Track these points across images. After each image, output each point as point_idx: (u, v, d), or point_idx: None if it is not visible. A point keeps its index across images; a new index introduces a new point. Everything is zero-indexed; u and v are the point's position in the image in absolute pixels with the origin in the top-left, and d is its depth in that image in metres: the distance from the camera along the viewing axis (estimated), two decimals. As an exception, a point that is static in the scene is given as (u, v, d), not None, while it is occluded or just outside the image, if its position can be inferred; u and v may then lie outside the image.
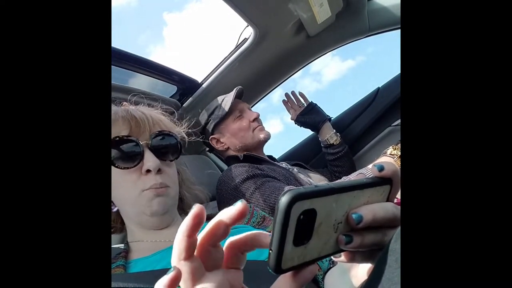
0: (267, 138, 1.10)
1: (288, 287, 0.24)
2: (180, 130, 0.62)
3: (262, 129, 1.11)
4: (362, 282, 0.29)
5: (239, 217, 0.23)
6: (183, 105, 1.21)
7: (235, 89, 1.07)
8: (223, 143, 1.10)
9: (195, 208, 0.23)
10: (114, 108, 0.56)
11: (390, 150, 0.85)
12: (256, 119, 1.10)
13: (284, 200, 0.22)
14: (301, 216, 0.23)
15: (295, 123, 1.28)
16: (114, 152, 0.51)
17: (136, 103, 0.62)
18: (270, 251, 0.23)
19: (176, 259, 0.23)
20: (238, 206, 0.23)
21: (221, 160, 1.30)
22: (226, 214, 0.24)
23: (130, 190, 0.52)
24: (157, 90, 1.16)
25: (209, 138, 1.11)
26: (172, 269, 0.23)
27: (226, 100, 1.07)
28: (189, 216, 0.23)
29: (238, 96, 1.10)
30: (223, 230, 0.24)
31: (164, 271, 0.23)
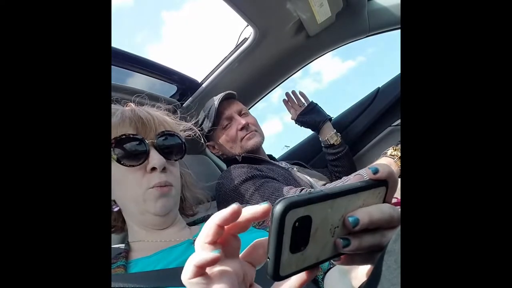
0: (257, 145, 1.04)
1: (288, 286, 0.25)
2: (183, 129, 0.62)
3: (251, 136, 1.04)
4: (362, 283, 0.29)
5: (261, 216, 0.25)
6: (183, 105, 1.21)
7: (218, 97, 1.03)
8: (217, 149, 1.10)
9: (235, 206, 0.25)
10: (120, 108, 0.57)
11: (390, 151, 0.85)
12: (244, 127, 1.03)
13: (277, 209, 0.22)
14: (296, 224, 0.23)
15: (296, 123, 1.27)
16: (120, 150, 0.51)
17: (140, 104, 0.62)
18: (268, 260, 0.23)
19: (202, 241, 0.25)
20: (264, 207, 0.25)
21: (221, 160, 1.30)
22: (251, 211, 0.26)
23: (135, 188, 0.52)
24: (155, 89, 1.16)
25: (206, 144, 1.10)
26: (215, 252, 0.24)
27: (213, 109, 1.02)
28: (228, 210, 0.25)
29: (232, 97, 1.07)
30: (246, 224, 0.26)
31: (164, 271, 0.23)
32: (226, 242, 0.26)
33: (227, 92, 1.05)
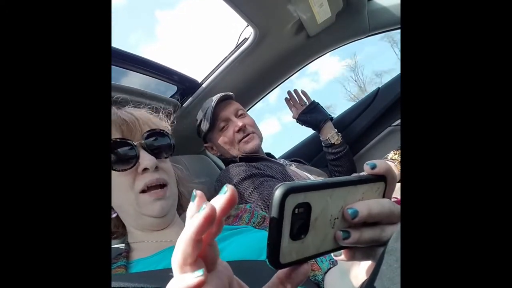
0: (255, 148, 1.03)
1: None
2: (167, 126, 0.61)
3: (249, 140, 1.02)
4: (363, 282, 0.29)
5: (230, 206, 0.21)
6: (183, 105, 1.21)
7: (214, 98, 1.01)
8: (215, 150, 1.11)
9: (207, 209, 0.20)
10: None
11: (391, 154, 0.86)
12: (241, 129, 1.02)
13: (278, 193, 0.23)
14: (296, 210, 0.23)
15: (297, 122, 1.27)
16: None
17: (139, 104, 0.62)
18: (268, 246, 0.23)
19: (181, 263, 0.21)
20: (227, 194, 0.21)
21: (221, 160, 1.30)
22: (217, 205, 0.21)
23: (128, 191, 0.52)
24: (151, 89, 1.15)
25: (204, 146, 1.12)
26: (197, 273, 0.20)
27: (210, 111, 1.01)
28: (200, 217, 0.20)
29: (228, 98, 1.06)
30: (218, 226, 0.22)
31: (165, 271, 0.23)
32: (206, 256, 0.22)
33: (223, 93, 1.04)
